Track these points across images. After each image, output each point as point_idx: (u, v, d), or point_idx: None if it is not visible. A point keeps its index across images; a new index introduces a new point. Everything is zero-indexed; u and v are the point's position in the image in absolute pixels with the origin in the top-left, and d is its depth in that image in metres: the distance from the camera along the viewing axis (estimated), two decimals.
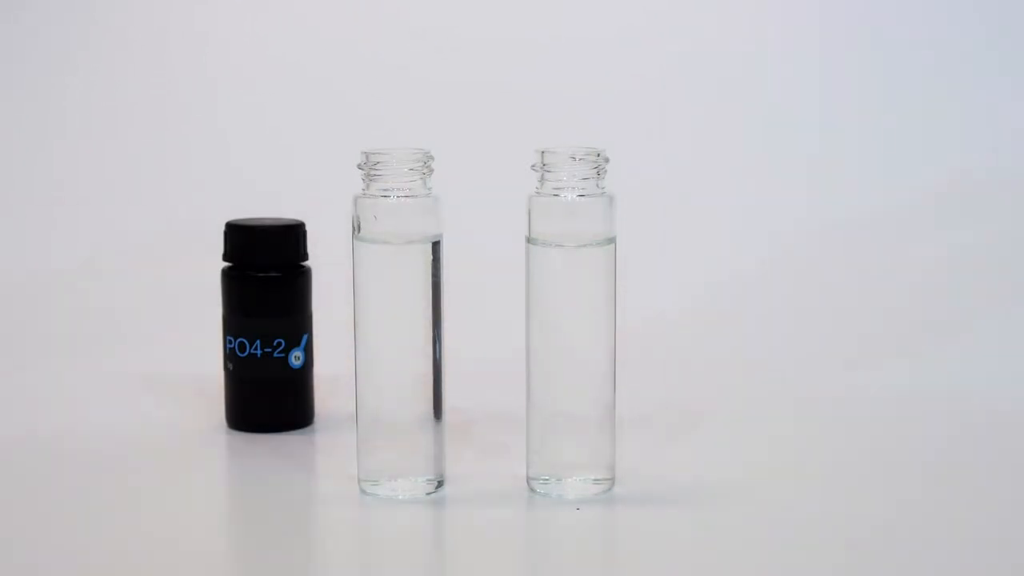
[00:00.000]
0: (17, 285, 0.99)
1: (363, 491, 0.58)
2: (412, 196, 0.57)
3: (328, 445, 0.66)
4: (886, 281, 1.02)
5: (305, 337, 0.68)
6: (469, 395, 0.72)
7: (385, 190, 0.57)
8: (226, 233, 0.68)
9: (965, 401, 0.74)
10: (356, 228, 0.57)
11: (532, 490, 0.59)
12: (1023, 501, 0.60)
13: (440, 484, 0.59)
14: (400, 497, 0.58)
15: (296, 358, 0.68)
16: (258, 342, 0.67)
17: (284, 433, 0.68)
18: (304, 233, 0.69)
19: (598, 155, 0.57)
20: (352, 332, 0.58)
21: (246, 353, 0.67)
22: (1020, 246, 1.04)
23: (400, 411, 0.58)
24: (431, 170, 0.57)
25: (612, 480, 0.59)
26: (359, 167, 0.57)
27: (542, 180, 0.57)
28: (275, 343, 0.67)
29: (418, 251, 0.57)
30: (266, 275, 0.67)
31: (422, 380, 0.58)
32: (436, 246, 0.57)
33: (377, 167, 0.57)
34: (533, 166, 0.57)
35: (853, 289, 1.01)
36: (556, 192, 0.57)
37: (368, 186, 0.57)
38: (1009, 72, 1.18)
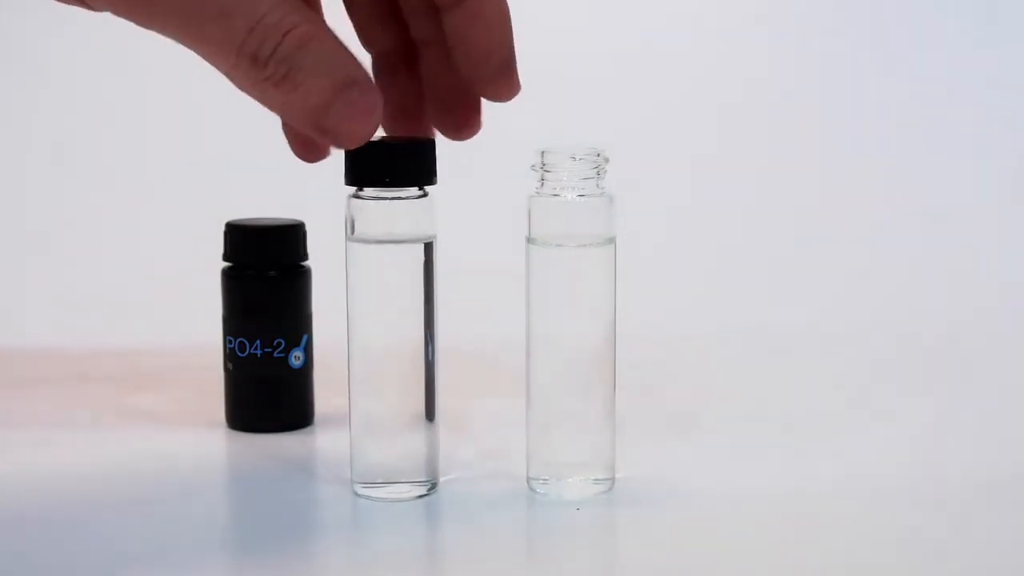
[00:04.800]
0: (16, 285, 0.99)
1: (356, 493, 0.58)
2: (406, 198, 0.56)
3: (328, 445, 0.66)
4: (891, 282, 1.02)
5: (305, 337, 0.68)
6: (469, 395, 0.72)
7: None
8: (226, 233, 0.68)
9: (969, 411, 0.74)
10: (350, 228, 0.57)
11: (532, 490, 0.59)
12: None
13: (433, 487, 0.59)
14: (393, 499, 0.58)
15: (296, 358, 0.68)
16: (258, 342, 0.67)
17: (284, 433, 0.68)
18: (304, 233, 0.69)
19: (598, 155, 0.57)
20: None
21: (246, 353, 0.67)
22: None
23: (391, 413, 0.58)
24: None
25: (612, 480, 0.59)
26: None
27: (542, 180, 0.57)
28: (275, 343, 0.67)
29: (411, 252, 0.57)
30: (266, 275, 0.67)
31: (414, 381, 0.58)
32: (429, 247, 0.57)
33: None
34: (533, 166, 0.57)
35: (856, 288, 1.01)
36: (556, 192, 0.57)
37: (362, 186, 0.57)
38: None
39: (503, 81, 0.55)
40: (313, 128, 0.50)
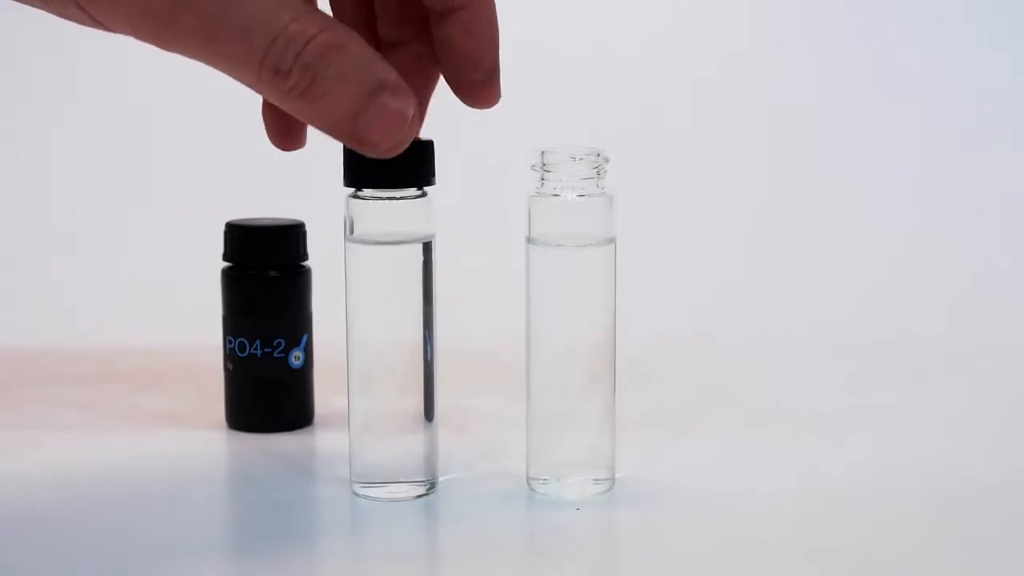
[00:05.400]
0: (16, 286, 0.99)
1: (355, 493, 0.58)
2: (405, 198, 0.56)
3: (328, 445, 0.66)
4: (891, 282, 1.02)
5: (305, 337, 0.68)
6: (468, 395, 0.72)
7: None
8: (226, 233, 0.68)
9: (969, 411, 0.74)
10: (349, 229, 0.57)
11: (532, 490, 0.59)
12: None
13: (432, 486, 0.59)
14: (390, 500, 0.58)
15: (296, 358, 0.68)
16: (258, 342, 0.67)
17: (284, 433, 0.68)
18: (304, 233, 0.69)
19: (598, 155, 0.57)
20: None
21: (246, 353, 0.67)
22: None
23: (390, 412, 0.58)
24: None
25: (612, 480, 0.59)
26: None
27: (542, 180, 0.57)
28: (275, 343, 0.67)
29: (409, 252, 0.57)
30: (266, 275, 0.67)
31: (413, 381, 0.58)
32: (428, 247, 0.57)
33: None
34: (533, 166, 0.57)
35: (857, 288, 1.01)
36: (556, 192, 0.57)
37: (361, 187, 0.57)
38: None
39: (487, 89, 0.55)
40: (347, 137, 0.50)
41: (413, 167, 0.55)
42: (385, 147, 0.51)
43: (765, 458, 0.64)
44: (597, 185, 0.57)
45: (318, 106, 0.49)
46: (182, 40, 0.48)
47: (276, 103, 0.49)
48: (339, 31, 0.49)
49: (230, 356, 0.68)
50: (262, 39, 0.47)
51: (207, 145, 1.11)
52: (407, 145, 0.51)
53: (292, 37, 0.48)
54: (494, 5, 0.54)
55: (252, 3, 0.47)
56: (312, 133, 0.55)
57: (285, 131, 0.57)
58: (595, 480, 0.59)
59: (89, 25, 0.49)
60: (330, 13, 0.57)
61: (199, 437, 0.67)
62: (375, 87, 0.49)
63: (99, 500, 0.59)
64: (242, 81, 0.49)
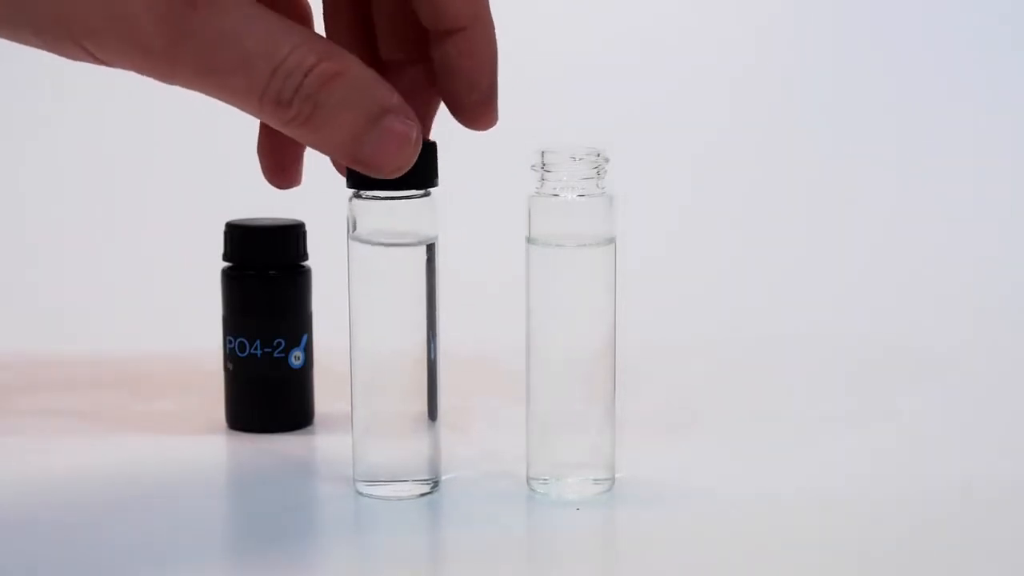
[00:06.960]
0: (15, 287, 0.99)
1: (359, 492, 0.58)
2: (408, 198, 0.56)
3: (328, 445, 0.66)
4: (891, 284, 1.02)
5: (305, 337, 0.68)
6: (468, 395, 0.72)
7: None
8: (226, 233, 0.68)
9: (966, 415, 0.74)
10: (352, 228, 0.57)
11: (532, 490, 0.59)
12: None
13: (435, 485, 0.59)
14: (395, 498, 0.58)
15: (296, 358, 0.68)
16: (258, 342, 0.67)
17: (284, 433, 0.68)
18: (304, 233, 0.69)
19: (598, 155, 0.57)
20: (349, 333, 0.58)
21: (246, 353, 0.67)
22: None
23: (394, 412, 0.58)
24: None
25: (612, 480, 0.59)
26: None
27: (542, 180, 0.57)
28: (275, 343, 0.67)
29: (413, 252, 0.57)
30: (266, 275, 0.67)
31: (416, 381, 0.58)
32: (431, 247, 0.57)
33: None
34: (533, 166, 0.57)
35: (856, 291, 1.01)
36: (556, 192, 0.57)
37: (364, 189, 0.57)
38: None
39: (484, 111, 0.55)
40: (351, 160, 0.51)
41: (417, 169, 0.55)
42: (389, 169, 0.51)
43: (765, 459, 0.64)
44: (597, 185, 0.57)
45: (321, 134, 0.49)
46: (183, 76, 0.48)
47: (279, 130, 0.50)
48: (339, 58, 0.49)
49: (230, 356, 0.68)
50: (262, 72, 0.48)
51: (207, 145, 1.11)
52: (411, 165, 0.51)
53: (291, 69, 0.48)
54: (493, 27, 0.54)
55: (250, 36, 0.47)
56: (308, 157, 0.55)
57: (280, 169, 0.58)
58: (595, 480, 0.59)
59: (90, 62, 0.49)
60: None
61: (199, 438, 0.67)
62: (377, 112, 0.50)
63: (99, 501, 0.59)
64: (244, 111, 0.49)
